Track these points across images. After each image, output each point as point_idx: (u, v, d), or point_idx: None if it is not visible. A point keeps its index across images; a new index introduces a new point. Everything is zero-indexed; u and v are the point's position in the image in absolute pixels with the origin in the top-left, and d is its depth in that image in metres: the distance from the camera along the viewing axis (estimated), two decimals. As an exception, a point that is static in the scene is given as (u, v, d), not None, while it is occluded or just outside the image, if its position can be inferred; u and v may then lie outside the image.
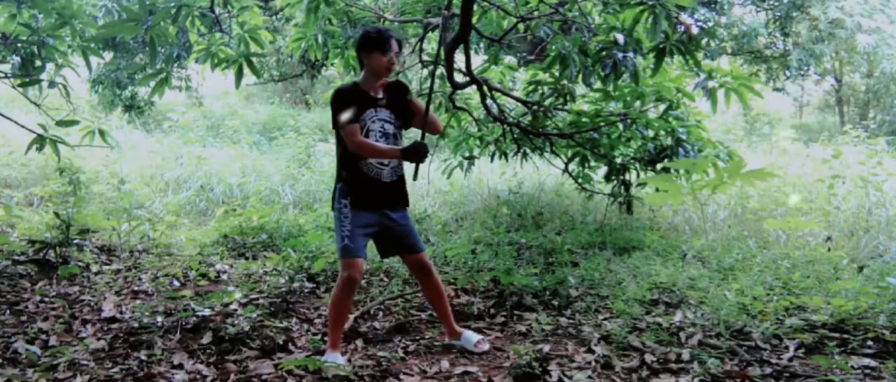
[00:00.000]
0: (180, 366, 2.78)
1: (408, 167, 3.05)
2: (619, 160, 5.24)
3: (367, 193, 2.92)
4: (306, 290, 4.06)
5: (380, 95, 2.99)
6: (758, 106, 16.80)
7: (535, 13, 5.06)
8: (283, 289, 3.97)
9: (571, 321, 3.57)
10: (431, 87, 3.07)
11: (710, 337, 3.16)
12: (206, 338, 3.08)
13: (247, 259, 4.91)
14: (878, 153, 6.33)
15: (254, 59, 4.37)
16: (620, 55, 4.02)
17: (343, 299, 2.90)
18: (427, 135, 3.04)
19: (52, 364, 2.73)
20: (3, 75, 4.13)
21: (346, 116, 2.86)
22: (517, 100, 5.47)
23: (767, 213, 5.81)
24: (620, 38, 4.01)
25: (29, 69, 3.99)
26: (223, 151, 8.91)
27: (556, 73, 4.72)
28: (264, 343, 3.06)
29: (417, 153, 2.85)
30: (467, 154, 5.46)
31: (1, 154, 7.59)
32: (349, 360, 2.95)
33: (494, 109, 5.41)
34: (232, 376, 2.69)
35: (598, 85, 4.77)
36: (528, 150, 5.56)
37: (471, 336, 3.14)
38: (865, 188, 5.75)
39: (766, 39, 13.09)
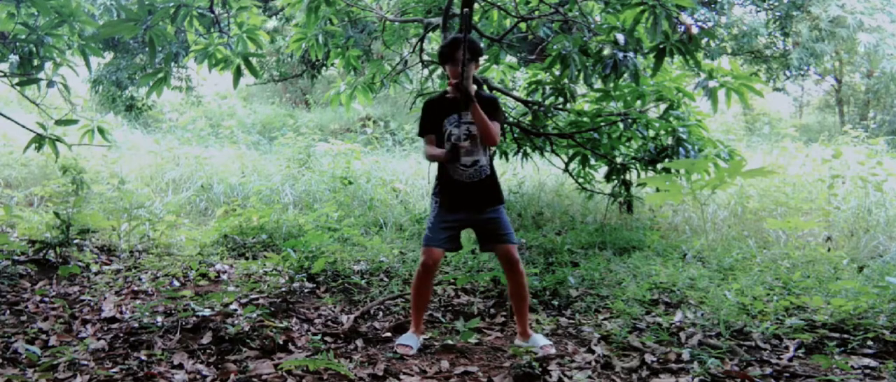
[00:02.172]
0: (180, 366, 2.78)
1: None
2: (619, 160, 5.24)
3: (452, 194, 3.14)
4: (306, 290, 4.06)
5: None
6: (758, 106, 16.81)
7: (536, 13, 5.06)
8: (283, 289, 3.96)
9: (571, 321, 3.57)
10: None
11: (710, 337, 3.16)
12: (206, 338, 3.08)
13: (247, 259, 4.90)
14: (877, 153, 6.33)
15: (252, 59, 4.38)
16: (621, 55, 4.03)
17: (418, 284, 3.17)
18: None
19: (52, 364, 2.72)
20: (1, 74, 4.13)
21: (420, 129, 3.21)
22: (518, 99, 5.46)
23: (767, 213, 5.80)
24: (621, 37, 4.01)
25: (27, 68, 3.99)
26: (223, 151, 8.89)
27: (557, 73, 4.72)
28: (264, 343, 3.05)
29: (453, 154, 3.06)
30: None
31: (1, 154, 7.58)
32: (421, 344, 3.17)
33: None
34: (232, 376, 2.68)
35: (598, 84, 4.77)
36: (528, 150, 5.56)
37: (539, 339, 3.16)
38: (865, 188, 5.75)
39: (766, 39, 13.09)
